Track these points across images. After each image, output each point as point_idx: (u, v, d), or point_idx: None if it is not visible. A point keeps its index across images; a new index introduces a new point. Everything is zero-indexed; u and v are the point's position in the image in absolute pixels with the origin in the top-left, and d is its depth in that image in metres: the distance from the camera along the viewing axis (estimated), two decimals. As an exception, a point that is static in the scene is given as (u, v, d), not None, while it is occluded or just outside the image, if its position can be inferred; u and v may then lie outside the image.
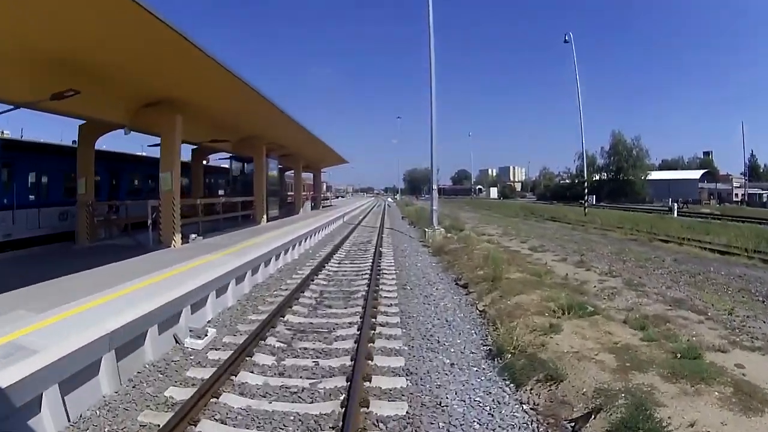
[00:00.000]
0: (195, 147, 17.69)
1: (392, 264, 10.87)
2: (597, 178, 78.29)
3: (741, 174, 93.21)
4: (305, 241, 13.86)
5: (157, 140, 11.06)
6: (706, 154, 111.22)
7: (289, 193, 29.42)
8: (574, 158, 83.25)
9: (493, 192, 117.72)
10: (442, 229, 16.66)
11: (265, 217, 16.33)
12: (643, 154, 76.21)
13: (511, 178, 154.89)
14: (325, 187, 39.70)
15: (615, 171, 76.05)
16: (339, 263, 10.97)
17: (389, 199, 78.52)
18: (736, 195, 74.03)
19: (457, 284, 9.47)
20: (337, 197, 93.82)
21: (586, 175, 30.10)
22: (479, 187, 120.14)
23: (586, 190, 29.31)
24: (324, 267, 10.26)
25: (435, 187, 16.90)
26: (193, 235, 10.96)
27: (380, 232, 18.12)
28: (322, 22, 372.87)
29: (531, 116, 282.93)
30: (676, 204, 36.04)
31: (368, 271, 9.52)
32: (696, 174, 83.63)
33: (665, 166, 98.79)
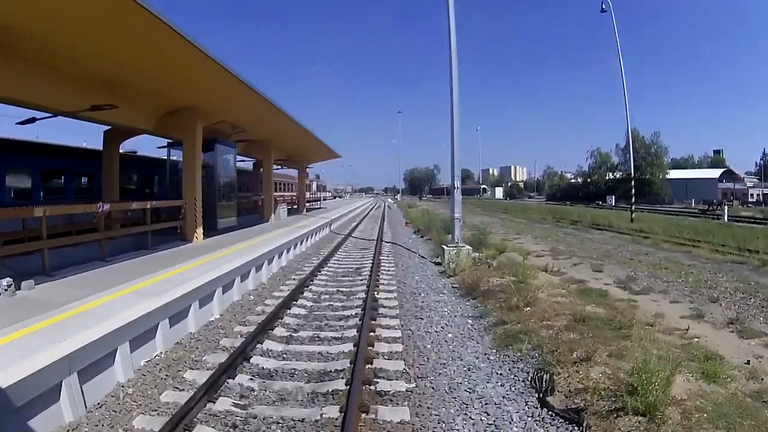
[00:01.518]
0: (108, 128, 12.24)
1: (398, 339, 5.37)
2: (611, 177, 73.43)
3: (746, 173, 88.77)
4: (251, 274, 8.36)
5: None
6: (717, 152, 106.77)
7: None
8: (587, 156, 78.32)
9: (498, 192, 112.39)
10: (469, 248, 11.19)
11: (200, 231, 10.79)
12: (662, 152, 71.16)
13: (513, 178, 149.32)
14: (315, 186, 33.89)
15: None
16: (286, 345, 5.38)
17: (389, 200, 72.99)
18: (751, 195, 70.19)
19: (553, 413, 4.03)
20: (335, 197, 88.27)
21: (632, 171, 24.59)
22: (483, 186, 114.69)
23: (633, 191, 23.74)
24: (249, 357, 4.75)
25: (458, 185, 11.38)
26: (5, 282, 5.43)
27: (377, 248, 12.64)
28: (323, 21, 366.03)
29: (531, 116, 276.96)
30: (726, 207, 30.64)
31: (346, 372, 4.05)
32: (715, 173, 79.16)
33: (674, 164, 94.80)
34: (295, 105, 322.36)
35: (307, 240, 13.75)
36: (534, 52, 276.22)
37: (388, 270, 9.78)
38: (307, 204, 31.87)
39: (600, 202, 57.60)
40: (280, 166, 25.26)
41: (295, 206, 23.29)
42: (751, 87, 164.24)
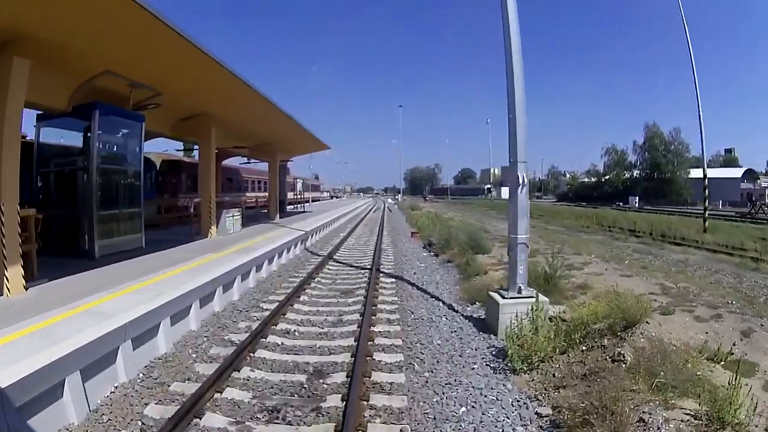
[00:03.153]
0: None
1: None
2: (628, 176, 68.06)
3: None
4: None
5: None
6: (728, 151, 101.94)
7: (228, 196, 18.36)
8: (602, 154, 72.88)
9: (504, 192, 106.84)
10: (544, 300, 5.77)
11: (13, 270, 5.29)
12: (684, 149, 65.94)
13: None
14: (300, 185, 28.14)
15: (650, 168, 65.55)
16: None
17: (390, 200, 67.34)
18: (768, 196, 65.39)
19: None
20: (333, 198, 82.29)
21: (704, 167, 19.06)
22: (488, 186, 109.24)
23: (706, 191, 18.27)
24: None
25: (524, 179, 5.83)
26: None
27: (370, 293, 7.14)
28: (322, 21, 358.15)
29: (532, 114, 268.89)
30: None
31: None
32: (737, 173, 74.07)
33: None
34: (296, 105, 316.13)
35: (250, 275, 8.20)
36: (535, 51, 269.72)
37: (390, 386, 4.19)
38: (289, 207, 26.35)
39: (620, 203, 52.20)
40: (248, 159, 19.72)
41: (264, 210, 17.64)
42: (749, 87, 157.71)
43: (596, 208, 41.77)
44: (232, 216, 11.70)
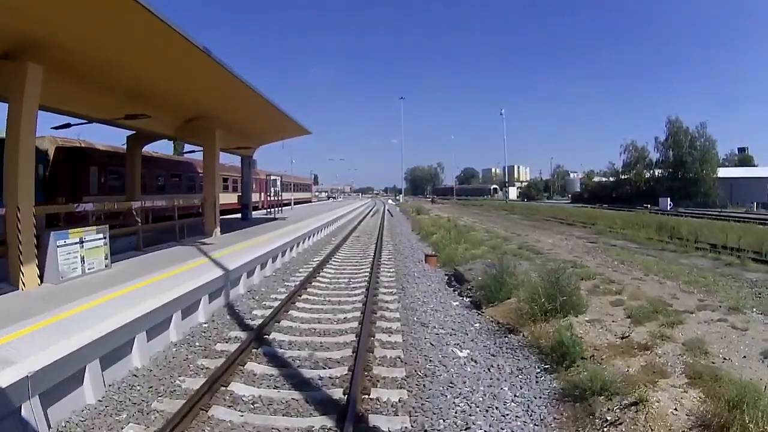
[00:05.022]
0: None
1: None
2: (648, 175, 62.31)
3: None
4: None
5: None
6: (741, 150, 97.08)
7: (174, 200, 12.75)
8: (620, 151, 66.99)
9: (512, 193, 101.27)
10: None
11: None
12: (711, 146, 60.41)
13: (516, 178, 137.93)
14: (279, 183, 22.09)
15: (673, 167, 59.96)
16: None
17: (390, 201, 61.57)
18: (784, 195, 59.77)
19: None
20: (329, 198, 76.39)
21: None
22: (494, 186, 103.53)
23: None
24: None
25: None
26: None
27: None
28: (321, 22, 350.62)
29: (532, 113, 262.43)
30: None
31: None
32: (764, 171, 68.32)
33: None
34: (296, 103, 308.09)
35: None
36: (535, 51, 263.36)
37: None
38: (255, 212, 20.74)
39: (648, 205, 46.29)
40: (174, 142, 14.01)
41: (228, 217, 11.60)
42: (753, 83, 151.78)
43: (630, 211, 36.06)
44: (78, 242, 5.93)
